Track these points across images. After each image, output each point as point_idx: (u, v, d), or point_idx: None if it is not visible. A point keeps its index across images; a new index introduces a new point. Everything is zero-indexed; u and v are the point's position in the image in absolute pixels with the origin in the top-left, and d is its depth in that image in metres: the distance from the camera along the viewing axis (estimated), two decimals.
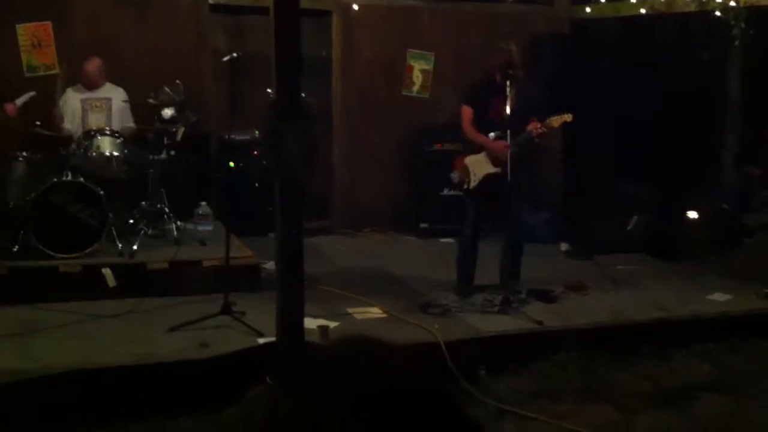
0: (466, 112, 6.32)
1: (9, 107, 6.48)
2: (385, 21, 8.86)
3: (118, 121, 7.14)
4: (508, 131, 6.00)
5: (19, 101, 6.49)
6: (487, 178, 6.17)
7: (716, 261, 7.45)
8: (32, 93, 6.60)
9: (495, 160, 6.11)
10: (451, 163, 6.49)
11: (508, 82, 5.95)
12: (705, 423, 4.80)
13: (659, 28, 8.46)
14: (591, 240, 7.94)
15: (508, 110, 5.94)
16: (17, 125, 6.53)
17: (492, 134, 6.10)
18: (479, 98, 6.28)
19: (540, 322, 5.70)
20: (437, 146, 8.52)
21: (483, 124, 6.21)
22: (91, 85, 7.15)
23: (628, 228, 8.03)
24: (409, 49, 8.92)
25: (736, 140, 8.86)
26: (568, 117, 6.03)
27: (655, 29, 8.51)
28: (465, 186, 6.31)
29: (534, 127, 6.07)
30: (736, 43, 7.50)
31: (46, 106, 6.94)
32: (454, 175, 6.40)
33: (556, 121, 6.05)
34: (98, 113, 7.10)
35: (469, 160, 6.26)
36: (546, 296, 6.29)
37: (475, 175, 6.22)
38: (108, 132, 6.68)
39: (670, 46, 8.45)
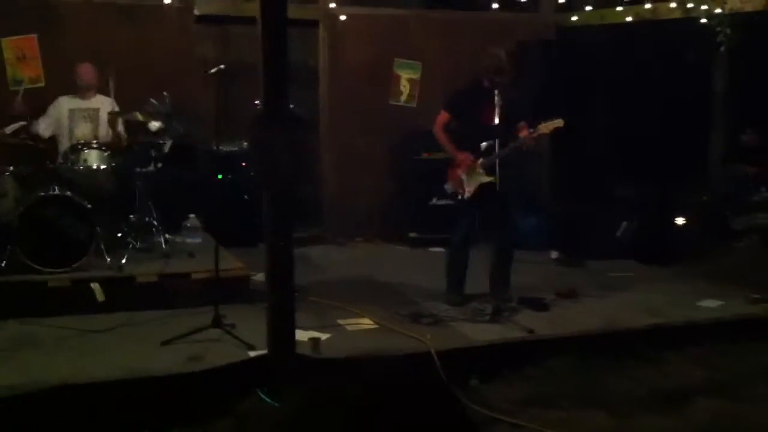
0: (442, 116, 6.35)
1: None
2: (372, 30, 8.87)
3: (105, 131, 7.08)
4: (497, 139, 6.01)
5: (9, 129, 6.43)
6: (481, 188, 6.16)
7: (706, 266, 7.48)
8: (23, 122, 6.54)
9: (488, 169, 6.10)
10: (447, 173, 6.45)
11: (496, 90, 5.96)
12: (700, 426, 4.79)
13: (645, 35, 8.50)
14: (581, 246, 7.95)
15: (491, 117, 5.94)
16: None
17: (483, 144, 6.09)
18: (463, 104, 6.28)
19: (531, 331, 5.68)
20: (425, 155, 8.51)
21: (473, 130, 6.19)
22: (86, 90, 7.09)
23: (618, 234, 8.05)
24: (396, 58, 8.93)
25: (723, 143, 8.90)
26: (559, 122, 6.02)
27: (641, 36, 8.55)
28: (459, 196, 6.30)
29: (526, 134, 6.07)
30: (722, 48, 7.53)
31: (32, 119, 6.93)
32: (448, 187, 6.38)
33: (546, 127, 6.02)
34: (86, 123, 7.06)
35: (463, 170, 6.25)
36: (537, 304, 6.28)
37: (469, 185, 6.21)
38: (95, 145, 6.64)
39: (656, 52, 8.49)
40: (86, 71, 7.09)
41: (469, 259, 6.42)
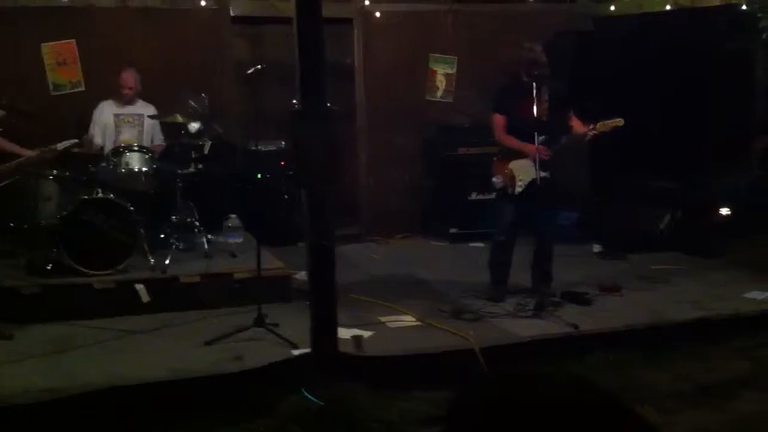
0: (498, 120, 6.22)
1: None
2: (406, 26, 8.84)
3: (149, 137, 7.16)
4: (542, 134, 5.93)
5: (60, 146, 6.47)
6: (533, 182, 6.08)
7: (749, 257, 7.36)
8: (75, 140, 6.56)
9: (541, 165, 5.97)
10: (492, 167, 6.32)
11: (535, 83, 5.90)
12: (746, 420, 4.73)
13: (683, 23, 8.36)
14: (623, 240, 7.86)
15: (535, 111, 5.86)
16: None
17: (541, 138, 5.94)
18: (508, 102, 6.21)
19: (575, 326, 5.63)
20: (462, 150, 8.47)
21: (515, 126, 6.13)
22: (128, 97, 7.10)
23: (661, 226, 7.94)
24: (431, 54, 8.90)
25: (764, 132, 8.73)
26: (619, 122, 5.93)
27: (679, 24, 8.41)
28: (509, 191, 6.21)
29: (587, 130, 5.98)
30: (764, 35, 7.38)
31: (74, 124, 7.01)
32: (497, 180, 6.26)
33: (606, 125, 5.94)
34: (131, 129, 7.11)
35: (515, 165, 6.14)
36: (581, 299, 6.22)
37: (521, 180, 6.13)
38: (136, 148, 6.70)
39: (694, 40, 8.35)
40: (129, 77, 7.11)
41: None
